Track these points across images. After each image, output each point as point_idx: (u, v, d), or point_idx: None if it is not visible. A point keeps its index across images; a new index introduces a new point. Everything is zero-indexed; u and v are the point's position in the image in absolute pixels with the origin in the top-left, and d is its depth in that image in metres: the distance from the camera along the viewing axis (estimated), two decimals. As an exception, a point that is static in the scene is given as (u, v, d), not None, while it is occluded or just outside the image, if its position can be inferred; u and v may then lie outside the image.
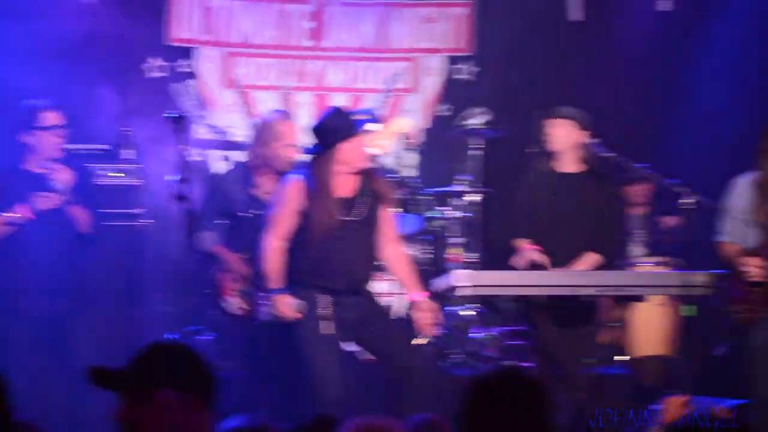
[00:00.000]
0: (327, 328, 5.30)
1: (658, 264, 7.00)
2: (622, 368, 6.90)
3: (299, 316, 5.33)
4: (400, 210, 6.88)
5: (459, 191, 7.37)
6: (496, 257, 6.53)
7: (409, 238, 6.98)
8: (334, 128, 5.39)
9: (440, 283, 6.01)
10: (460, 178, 7.40)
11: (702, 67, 8.03)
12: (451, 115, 8.22)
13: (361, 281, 5.46)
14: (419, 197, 7.24)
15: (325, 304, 5.33)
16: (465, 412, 3.11)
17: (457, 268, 6.67)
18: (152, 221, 6.92)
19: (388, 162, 7.36)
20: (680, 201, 6.08)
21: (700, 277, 5.81)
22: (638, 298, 6.26)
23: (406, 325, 5.76)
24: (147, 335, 6.46)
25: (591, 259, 6.07)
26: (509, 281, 5.78)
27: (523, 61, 8.17)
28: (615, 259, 6.26)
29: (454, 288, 5.70)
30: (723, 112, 7.74)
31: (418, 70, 8.39)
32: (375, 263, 5.55)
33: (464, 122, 7.89)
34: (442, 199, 7.44)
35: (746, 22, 7.79)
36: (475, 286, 5.66)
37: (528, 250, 6.00)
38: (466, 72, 8.38)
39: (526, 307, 6.00)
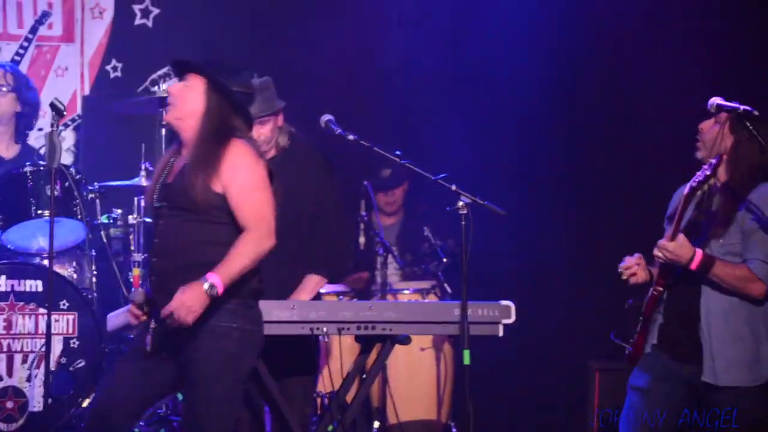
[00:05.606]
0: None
1: (420, 291, 6.61)
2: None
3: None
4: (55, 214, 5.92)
5: (141, 186, 6.43)
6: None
7: (67, 254, 6.35)
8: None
9: (119, 319, 5.10)
10: (144, 168, 6.52)
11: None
12: (121, 76, 7.54)
13: None
14: (82, 195, 6.33)
15: None
16: None
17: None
18: None
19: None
20: (449, 208, 5.18)
21: (482, 310, 5.07)
22: (397, 340, 5.24)
23: None
24: None
25: (312, 282, 5.28)
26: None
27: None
28: (341, 262, 5.55)
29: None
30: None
31: (75, 10, 7.56)
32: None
33: (144, 88, 7.51)
34: (117, 198, 6.66)
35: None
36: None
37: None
38: (141, 15, 7.61)
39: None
